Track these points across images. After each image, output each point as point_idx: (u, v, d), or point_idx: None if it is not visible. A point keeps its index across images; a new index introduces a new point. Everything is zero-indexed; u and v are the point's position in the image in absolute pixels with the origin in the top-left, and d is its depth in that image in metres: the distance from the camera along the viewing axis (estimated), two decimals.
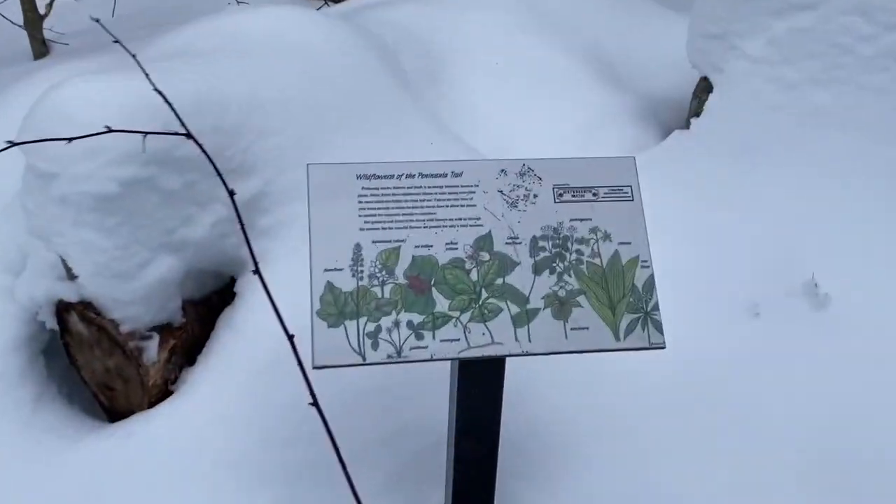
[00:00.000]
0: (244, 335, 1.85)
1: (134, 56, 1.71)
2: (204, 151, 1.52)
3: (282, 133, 1.99)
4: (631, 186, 1.41)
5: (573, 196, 1.39)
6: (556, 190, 1.39)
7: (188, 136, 1.55)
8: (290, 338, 1.18)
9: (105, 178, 1.67)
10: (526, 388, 1.74)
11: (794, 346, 1.83)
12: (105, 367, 1.88)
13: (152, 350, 1.82)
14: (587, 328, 1.33)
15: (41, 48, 3.80)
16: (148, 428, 1.73)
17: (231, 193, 1.37)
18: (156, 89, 1.59)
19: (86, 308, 1.80)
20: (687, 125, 2.48)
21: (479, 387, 1.38)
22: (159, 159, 1.70)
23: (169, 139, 1.69)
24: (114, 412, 1.95)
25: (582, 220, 1.38)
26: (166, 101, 1.58)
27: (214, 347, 1.88)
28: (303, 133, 2.04)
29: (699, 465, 1.68)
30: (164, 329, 1.87)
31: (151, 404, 1.85)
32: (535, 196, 1.39)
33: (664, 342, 1.34)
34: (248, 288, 1.94)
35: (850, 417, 1.71)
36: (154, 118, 1.67)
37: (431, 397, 1.69)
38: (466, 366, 1.36)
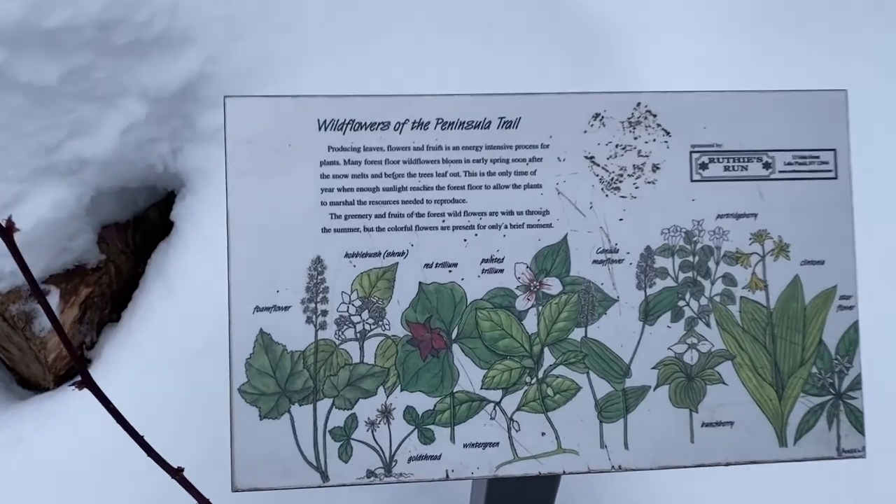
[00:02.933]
0: (178, 291, 1.28)
1: None
2: None
3: None
4: (835, 151, 0.75)
5: (726, 168, 0.74)
6: (694, 155, 0.74)
7: None
8: (177, 473, 0.61)
9: None
10: None
11: None
12: None
13: None
14: (730, 423, 0.74)
15: None
16: (40, 434, 1.21)
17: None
18: None
19: None
20: None
21: None
22: (11, 36, 1.03)
23: (29, 2, 1.01)
24: (21, 377, 1.44)
25: (739, 215, 0.74)
26: None
27: (140, 305, 1.32)
28: None
29: None
30: (69, 277, 1.30)
31: (60, 378, 1.32)
32: (654, 167, 0.73)
33: (864, 447, 0.75)
34: (188, 216, 1.33)
35: None
36: None
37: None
38: (501, 484, 0.79)
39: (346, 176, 0.70)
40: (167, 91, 1.21)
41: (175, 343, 1.25)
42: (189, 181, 1.33)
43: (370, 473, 0.70)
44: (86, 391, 0.68)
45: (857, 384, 0.74)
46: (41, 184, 1.13)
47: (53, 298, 1.27)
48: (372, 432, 0.70)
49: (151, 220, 1.48)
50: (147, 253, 1.44)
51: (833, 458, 0.74)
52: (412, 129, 0.71)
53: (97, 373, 1.28)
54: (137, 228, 1.45)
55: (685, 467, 0.73)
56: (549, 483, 0.81)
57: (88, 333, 1.33)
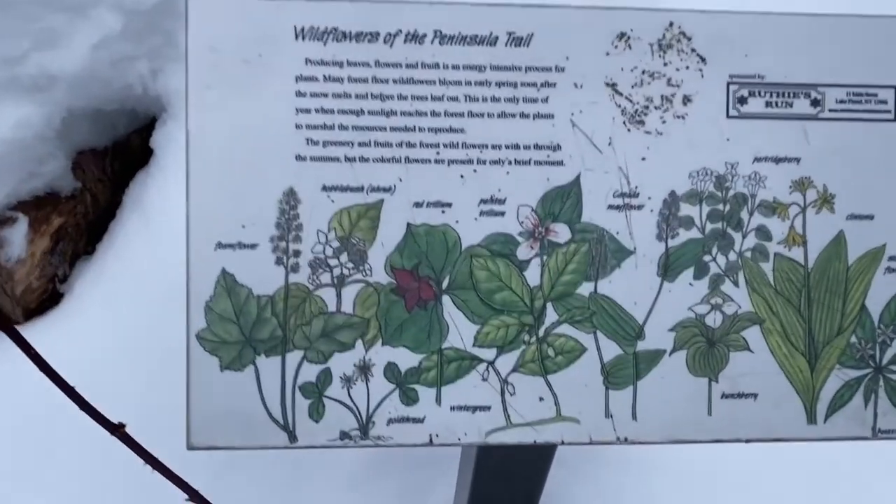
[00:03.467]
0: (155, 224, 1.19)
1: None
2: None
3: None
4: (895, 88, 0.65)
5: (768, 104, 0.64)
6: (731, 87, 0.63)
7: None
8: (117, 430, 0.53)
9: None
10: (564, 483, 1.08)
11: None
12: None
13: (17, 240, 1.18)
14: (753, 396, 0.65)
15: None
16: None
17: None
18: None
19: None
20: None
21: (508, 483, 0.74)
22: None
23: None
24: None
25: (779, 160, 0.64)
26: None
27: (116, 238, 1.23)
28: None
29: None
30: (40, 205, 1.21)
31: (30, 313, 1.25)
32: (686, 100, 0.63)
33: None
34: (168, 144, 1.23)
35: None
36: None
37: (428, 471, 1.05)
38: (491, 452, 0.71)
39: (325, 95, 0.60)
40: (144, 2, 1.10)
41: (151, 280, 1.17)
42: (170, 105, 1.23)
43: (344, 435, 0.62)
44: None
45: None
46: (2, 99, 1.03)
47: (21, 227, 1.18)
48: (347, 390, 0.62)
49: (133, 147, 1.38)
50: (128, 182, 1.34)
51: (867, 439, 0.66)
52: (405, 42, 0.61)
53: (68, 308, 1.20)
54: (117, 155, 1.35)
55: (700, 442, 0.65)
56: (544, 453, 0.74)
57: (61, 266, 1.25)
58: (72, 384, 0.56)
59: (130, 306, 1.15)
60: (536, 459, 0.80)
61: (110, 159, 1.34)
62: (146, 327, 1.12)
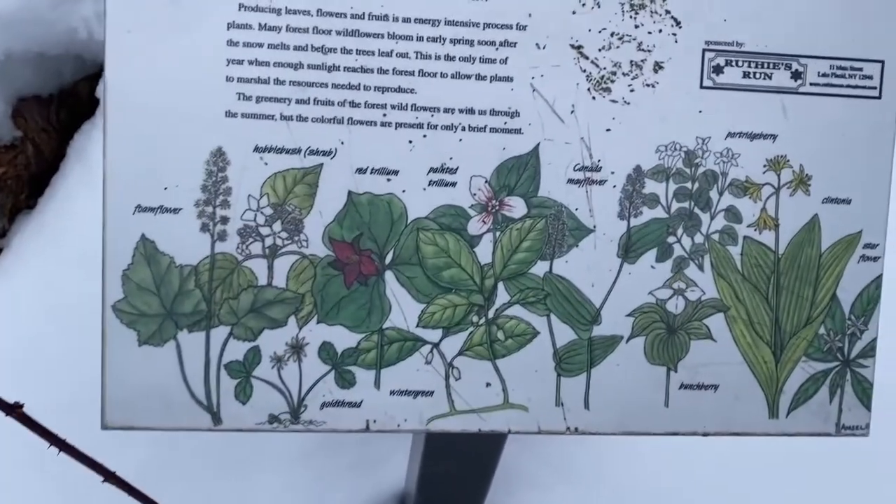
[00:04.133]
0: (100, 179, 1.12)
1: None
2: None
3: None
4: (883, 64, 0.60)
5: (746, 74, 0.59)
6: (707, 55, 0.58)
7: None
8: (14, 411, 0.47)
9: None
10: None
11: None
12: None
13: None
14: (714, 387, 0.61)
15: None
16: None
17: None
18: None
19: None
20: None
21: (460, 462, 0.70)
22: None
23: None
24: None
25: (754, 136, 0.59)
26: None
27: (58, 192, 1.16)
28: None
29: None
30: None
31: None
32: (657, 66, 0.58)
33: (868, 424, 0.63)
34: None
35: None
36: None
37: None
38: (440, 438, 0.67)
39: (260, 45, 0.54)
40: None
41: (94, 238, 1.10)
42: None
43: (273, 419, 0.57)
44: None
45: (870, 350, 0.62)
46: None
47: None
48: (278, 370, 0.57)
49: (80, 96, 1.30)
50: (74, 133, 1.27)
51: (830, 435, 0.63)
52: None
53: (5, 264, 1.13)
54: (63, 104, 1.27)
55: (656, 434, 0.61)
56: (494, 441, 0.70)
57: (0, 220, 1.18)
58: None
59: (71, 265, 1.09)
60: (486, 446, 0.76)
61: (55, 108, 1.26)
62: (87, 288, 1.06)
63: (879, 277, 0.61)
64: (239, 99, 0.55)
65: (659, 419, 0.60)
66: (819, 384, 0.62)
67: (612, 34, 0.57)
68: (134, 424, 0.56)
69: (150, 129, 0.54)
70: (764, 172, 0.59)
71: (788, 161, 0.60)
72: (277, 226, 0.56)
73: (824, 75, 0.59)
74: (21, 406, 0.48)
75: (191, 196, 0.55)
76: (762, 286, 0.60)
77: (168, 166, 0.55)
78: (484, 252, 0.58)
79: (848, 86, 0.60)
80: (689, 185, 0.59)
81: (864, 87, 0.60)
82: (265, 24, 0.54)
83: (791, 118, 0.59)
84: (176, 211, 0.55)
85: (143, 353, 0.56)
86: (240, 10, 0.54)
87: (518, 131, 0.57)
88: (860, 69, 0.60)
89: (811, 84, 0.59)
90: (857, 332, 0.62)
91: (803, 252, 0.60)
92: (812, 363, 0.62)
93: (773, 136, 0.59)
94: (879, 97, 0.60)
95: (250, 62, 0.54)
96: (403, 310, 0.57)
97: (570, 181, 0.58)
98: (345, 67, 0.55)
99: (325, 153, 0.56)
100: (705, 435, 0.61)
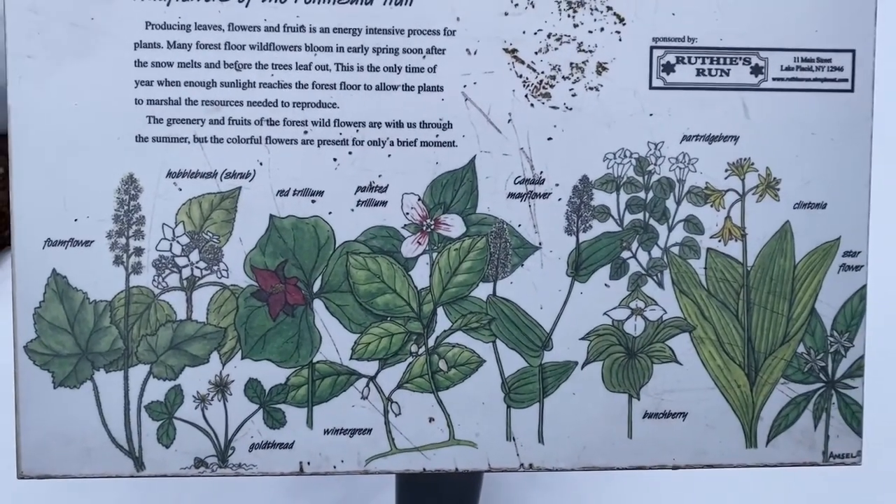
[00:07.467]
0: None
1: None
2: None
3: None
4: (854, 53, 0.55)
5: (700, 72, 0.54)
6: (655, 53, 0.54)
7: None
8: None
9: None
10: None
11: None
12: None
13: None
14: (682, 415, 0.56)
15: None
16: None
17: None
18: None
19: None
20: None
21: (438, 496, 0.65)
22: None
23: None
24: None
25: (713, 138, 0.54)
26: None
27: None
28: None
29: None
30: None
31: None
32: (600, 68, 0.53)
33: (860, 451, 0.57)
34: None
35: None
36: None
37: None
38: (412, 480, 0.62)
39: (170, 64, 0.51)
40: None
41: None
42: None
43: (199, 462, 0.53)
44: None
45: (857, 370, 0.56)
46: None
47: None
48: (202, 410, 0.53)
49: None
50: None
51: (817, 465, 0.57)
52: (263, 0, 0.51)
53: None
54: None
55: (619, 469, 0.55)
56: (469, 479, 0.65)
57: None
58: None
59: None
60: (462, 484, 0.71)
61: None
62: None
63: (863, 288, 0.55)
64: (149, 122, 0.51)
65: (622, 452, 0.55)
66: (801, 408, 0.56)
67: (548, 35, 0.53)
68: (51, 473, 0.53)
69: (57, 158, 0.51)
70: (726, 178, 0.54)
71: (753, 164, 0.54)
72: (195, 255, 0.52)
73: (788, 69, 0.54)
74: None
75: (102, 227, 0.52)
76: (731, 302, 0.55)
77: (77, 196, 0.51)
78: (420, 275, 0.53)
79: (816, 79, 0.54)
80: (642, 194, 0.54)
81: (834, 80, 0.54)
82: (174, 42, 0.51)
83: (753, 117, 0.54)
84: (87, 244, 0.52)
85: (59, 395, 0.52)
86: (147, 28, 0.51)
87: (451, 144, 0.53)
88: (828, 60, 0.54)
89: (774, 79, 0.54)
90: (842, 349, 0.56)
91: (775, 263, 0.55)
92: (792, 385, 0.56)
93: (735, 138, 0.54)
94: (852, 90, 0.54)
95: (160, 83, 0.51)
96: (335, 341, 0.53)
97: (511, 195, 0.53)
98: (260, 83, 0.52)
99: (242, 175, 0.52)
100: (675, 468, 0.56)
